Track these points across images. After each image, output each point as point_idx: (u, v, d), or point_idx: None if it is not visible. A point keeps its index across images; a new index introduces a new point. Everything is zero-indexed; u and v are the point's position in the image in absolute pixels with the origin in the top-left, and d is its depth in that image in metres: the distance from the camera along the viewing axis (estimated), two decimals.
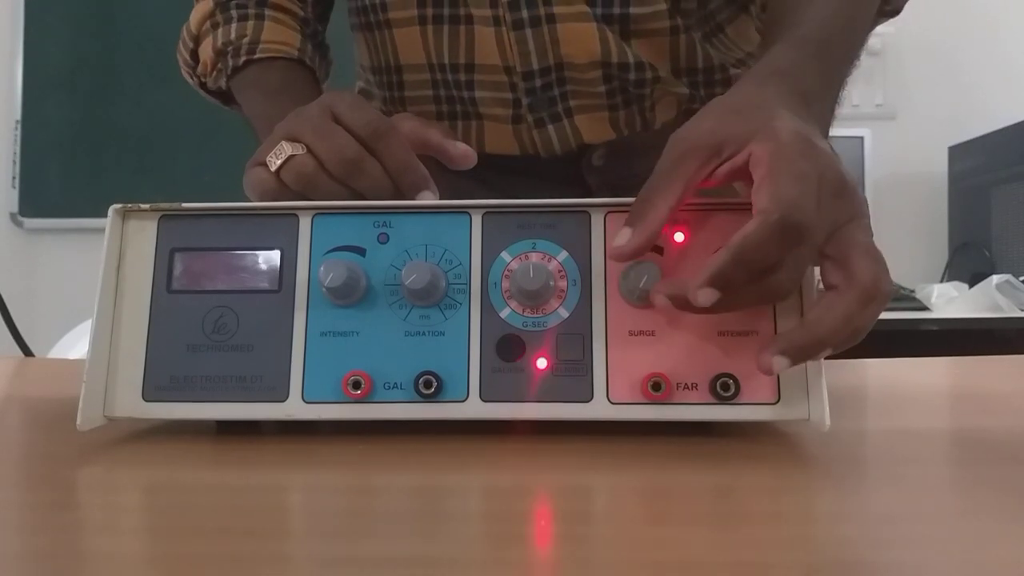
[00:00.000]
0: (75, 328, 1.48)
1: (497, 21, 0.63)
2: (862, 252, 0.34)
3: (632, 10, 0.63)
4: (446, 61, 0.66)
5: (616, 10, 0.63)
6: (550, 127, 0.66)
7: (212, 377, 0.34)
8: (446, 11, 0.64)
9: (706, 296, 0.31)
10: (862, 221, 0.35)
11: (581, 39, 0.63)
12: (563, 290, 0.35)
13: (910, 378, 0.55)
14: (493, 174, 0.56)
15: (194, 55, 0.68)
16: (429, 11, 0.65)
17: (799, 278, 0.34)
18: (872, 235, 0.35)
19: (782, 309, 0.34)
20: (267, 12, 0.65)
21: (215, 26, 0.65)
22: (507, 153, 0.67)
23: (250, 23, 0.64)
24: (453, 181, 0.50)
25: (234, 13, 0.65)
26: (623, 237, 0.34)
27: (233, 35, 0.64)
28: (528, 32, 0.63)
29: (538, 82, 0.64)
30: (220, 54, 0.64)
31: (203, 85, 0.69)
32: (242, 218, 0.36)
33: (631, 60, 0.64)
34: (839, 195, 0.34)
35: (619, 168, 0.69)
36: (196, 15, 0.67)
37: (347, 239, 0.36)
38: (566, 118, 0.66)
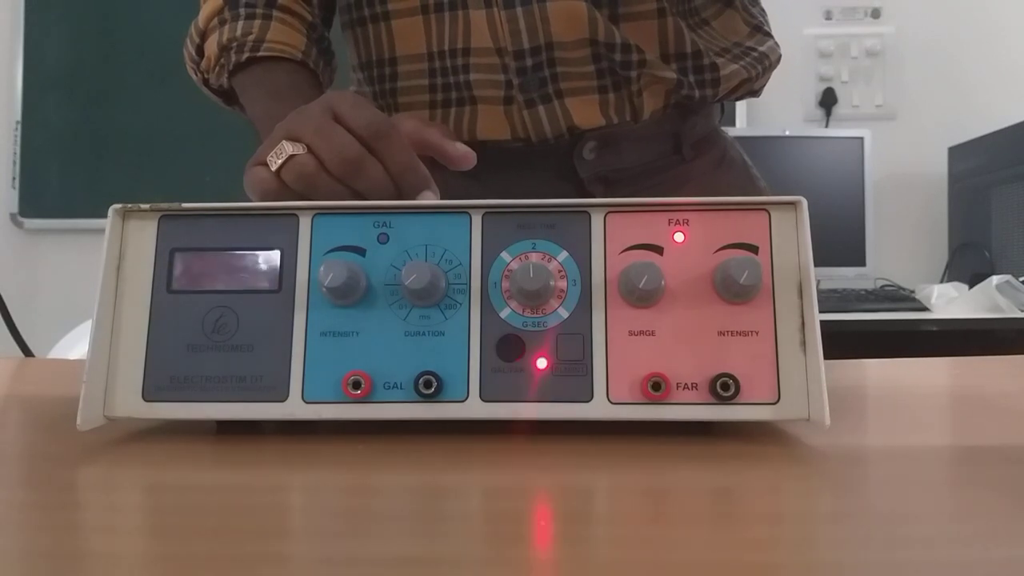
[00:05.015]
0: (75, 328, 1.48)
1: (488, 2, 0.64)
2: None
3: None
4: (446, 48, 0.66)
5: None
6: (540, 108, 0.66)
7: (212, 377, 0.34)
8: None
9: None
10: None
11: (570, 17, 0.64)
12: (563, 290, 0.35)
13: (910, 378, 0.55)
14: (487, 170, 0.56)
15: (200, 50, 0.68)
16: (431, 0, 0.66)
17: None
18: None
19: (782, 310, 0.34)
20: (275, 13, 0.66)
21: (222, 23, 0.66)
22: (499, 138, 0.68)
23: (257, 22, 0.65)
24: (447, 178, 0.50)
25: (242, 11, 0.65)
26: None
27: (239, 32, 0.64)
28: (519, 11, 0.63)
29: (528, 62, 0.65)
30: (224, 49, 0.64)
31: (206, 82, 0.69)
32: (242, 218, 0.36)
33: (618, 40, 0.64)
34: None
35: (610, 160, 0.69)
36: (205, 11, 0.67)
37: (347, 239, 0.36)
38: (556, 99, 0.67)
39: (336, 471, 0.30)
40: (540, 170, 0.69)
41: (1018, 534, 0.22)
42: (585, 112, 0.67)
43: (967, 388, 0.51)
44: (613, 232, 0.35)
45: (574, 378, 0.34)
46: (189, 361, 0.35)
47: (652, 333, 0.34)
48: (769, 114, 2.24)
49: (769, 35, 0.75)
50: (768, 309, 0.34)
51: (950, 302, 1.71)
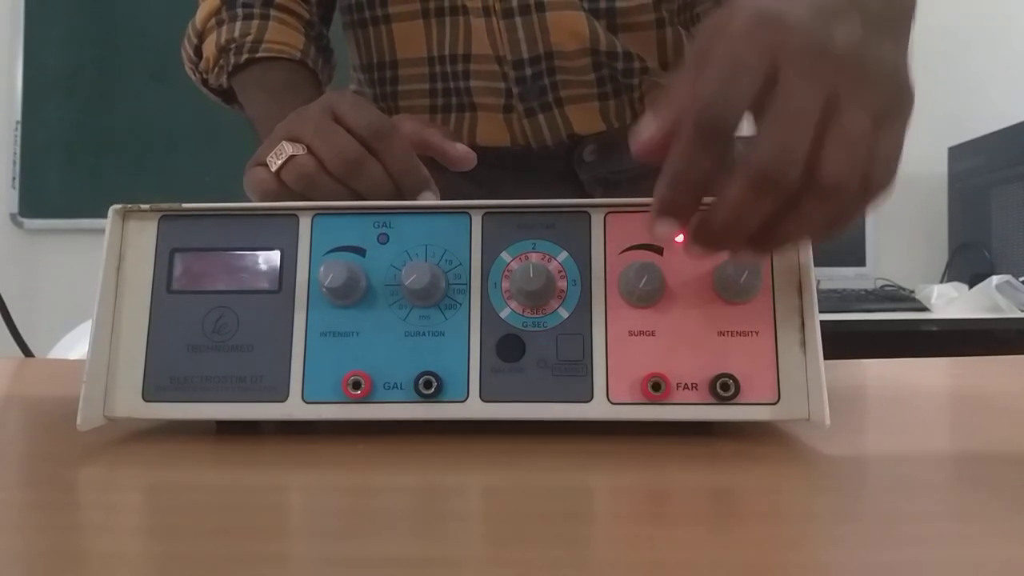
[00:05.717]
0: (75, 328, 1.48)
1: (487, 12, 0.64)
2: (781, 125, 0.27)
3: (618, 4, 0.64)
4: (446, 53, 0.67)
5: (602, 4, 0.64)
6: (540, 116, 0.67)
7: (212, 377, 0.35)
8: (446, 3, 0.65)
9: (662, 228, 0.29)
10: (857, 96, 0.28)
11: (570, 27, 0.64)
12: (563, 290, 0.35)
13: (910, 378, 0.55)
14: (486, 171, 0.56)
15: (198, 51, 0.68)
16: (432, 4, 0.66)
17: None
18: (868, 115, 0.28)
19: (782, 310, 0.34)
20: (272, 13, 0.66)
21: (220, 23, 0.65)
22: (499, 144, 0.68)
23: (255, 22, 0.65)
24: (447, 179, 0.50)
25: (240, 11, 0.65)
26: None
27: (237, 33, 0.64)
28: (518, 21, 0.63)
29: (528, 71, 0.65)
30: (223, 51, 0.64)
31: (205, 82, 0.69)
32: (242, 218, 0.36)
33: (619, 49, 0.64)
34: (813, 67, 0.28)
35: (610, 163, 0.69)
36: (202, 12, 0.67)
37: (347, 239, 0.36)
38: (556, 108, 0.67)
39: (336, 471, 0.30)
40: (540, 173, 0.69)
41: (1018, 534, 0.22)
42: (585, 119, 0.67)
43: (967, 388, 0.51)
44: (613, 232, 0.35)
45: (574, 378, 0.34)
46: (189, 361, 0.35)
47: (652, 333, 0.34)
48: None
49: None
50: (768, 309, 0.34)
51: (950, 302, 1.71)
